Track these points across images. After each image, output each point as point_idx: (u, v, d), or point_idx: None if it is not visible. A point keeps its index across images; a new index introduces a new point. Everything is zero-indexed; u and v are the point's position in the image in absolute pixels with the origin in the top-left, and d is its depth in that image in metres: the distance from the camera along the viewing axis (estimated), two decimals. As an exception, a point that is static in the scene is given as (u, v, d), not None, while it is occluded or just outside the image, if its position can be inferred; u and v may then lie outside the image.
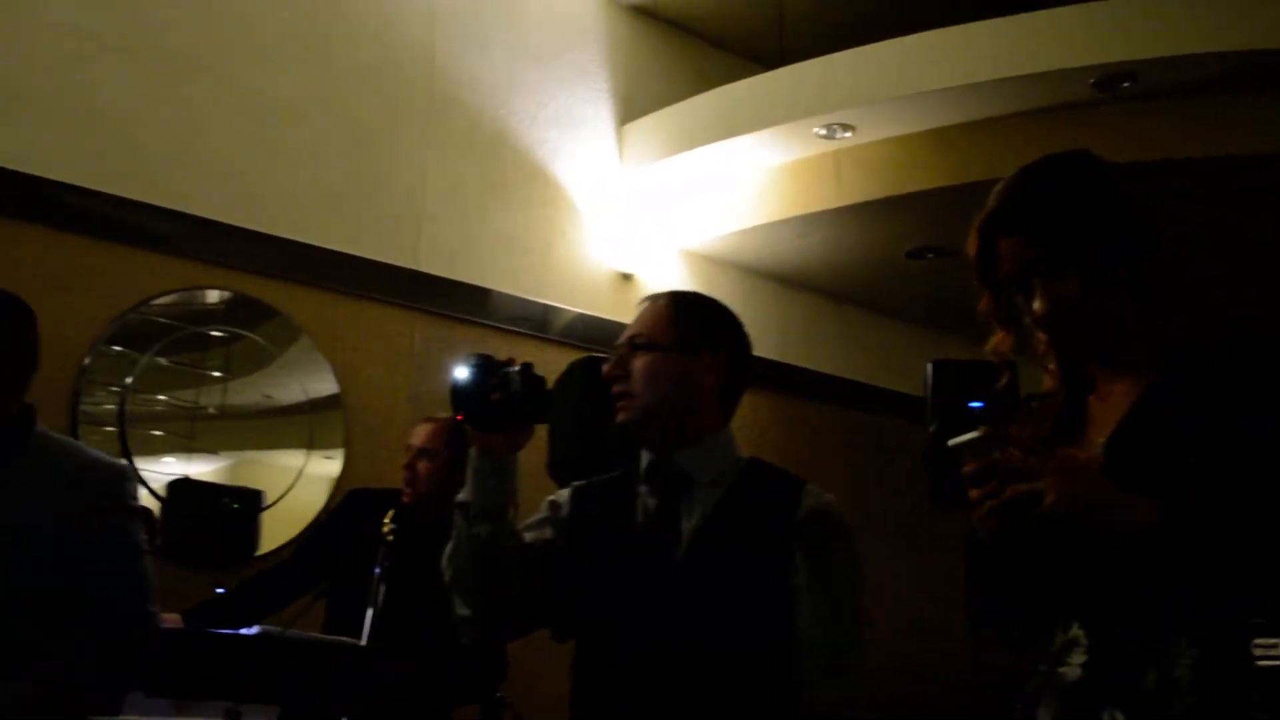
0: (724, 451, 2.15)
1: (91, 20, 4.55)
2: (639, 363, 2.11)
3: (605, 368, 2.15)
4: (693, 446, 2.11)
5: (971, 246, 1.71)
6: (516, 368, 2.00)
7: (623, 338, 2.17)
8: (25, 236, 4.29)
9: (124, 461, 2.62)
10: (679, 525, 2.08)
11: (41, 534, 2.36)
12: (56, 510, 2.38)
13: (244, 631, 3.09)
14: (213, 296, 4.79)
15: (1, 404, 2.45)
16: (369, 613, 3.24)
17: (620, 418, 2.12)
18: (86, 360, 4.38)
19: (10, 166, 4.29)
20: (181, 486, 4.61)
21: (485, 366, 2.00)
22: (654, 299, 2.19)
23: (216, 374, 4.80)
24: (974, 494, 1.50)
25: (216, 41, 4.83)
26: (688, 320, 2.16)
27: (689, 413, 2.12)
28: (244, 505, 4.77)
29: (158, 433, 4.64)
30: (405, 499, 3.60)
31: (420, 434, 3.70)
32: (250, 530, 4.76)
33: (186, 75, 4.74)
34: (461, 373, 2.00)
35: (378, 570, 3.29)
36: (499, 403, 1.98)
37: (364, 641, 3.20)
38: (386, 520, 3.31)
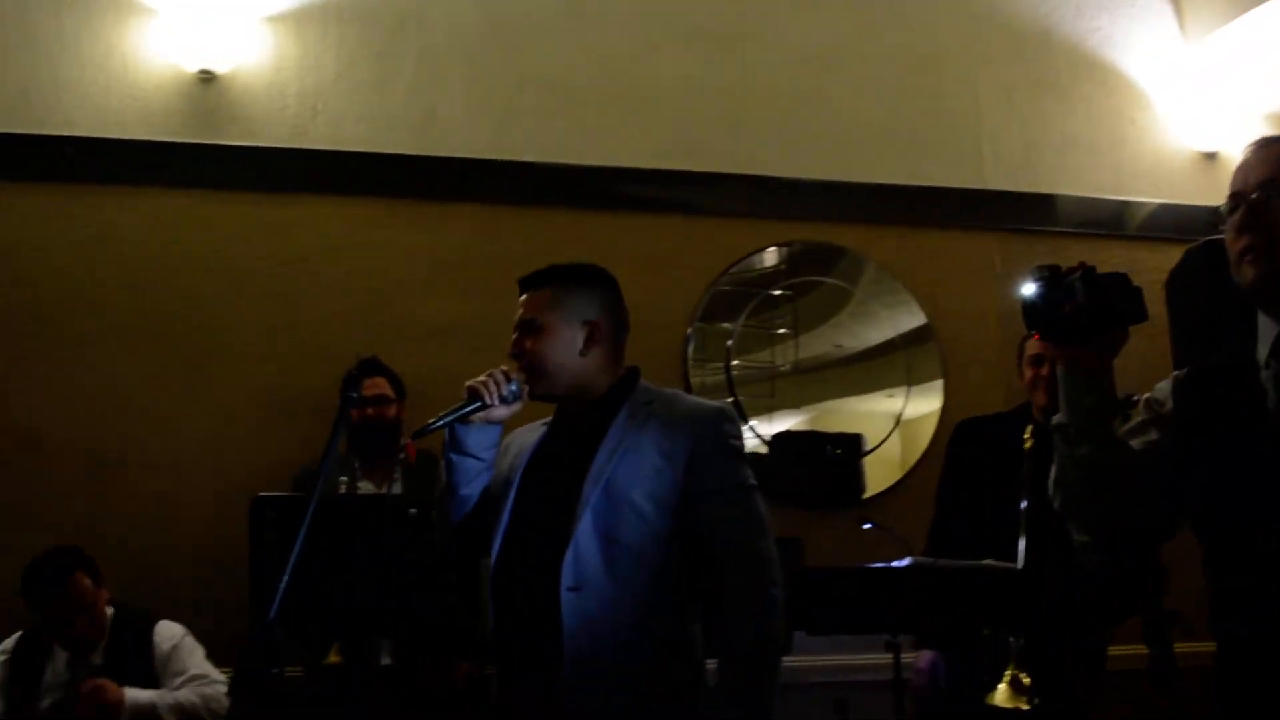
0: None
1: (641, 11, 4.84)
2: None
3: (1230, 214, 1.86)
4: None
5: None
6: (1078, 274, 1.80)
7: (1249, 182, 1.84)
8: (616, 224, 4.66)
9: (723, 403, 2.61)
10: None
11: (654, 480, 2.44)
12: (665, 455, 2.45)
13: (896, 564, 3.10)
14: (772, 257, 4.88)
15: (611, 366, 2.59)
16: (1022, 535, 3.15)
17: (1248, 275, 1.82)
18: (688, 330, 4.65)
19: (589, 163, 4.70)
20: (785, 438, 4.77)
21: (1050, 278, 1.81)
22: (1269, 143, 1.89)
23: (782, 331, 4.89)
24: None
25: (758, 8, 4.97)
26: None
27: None
28: (845, 450, 4.84)
29: (735, 398, 4.79)
30: (1037, 413, 3.46)
31: (1038, 344, 3.54)
32: (854, 473, 4.83)
33: (733, 45, 4.92)
34: (1028, 288, 1.82)
35: (1024, 502, 3.20)
36: (1071, 314, 1.78)
37: (1019, 563, 3.12)
38: (1027, 436, 3.21)
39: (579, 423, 2.54)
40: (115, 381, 4.35)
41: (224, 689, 3.69)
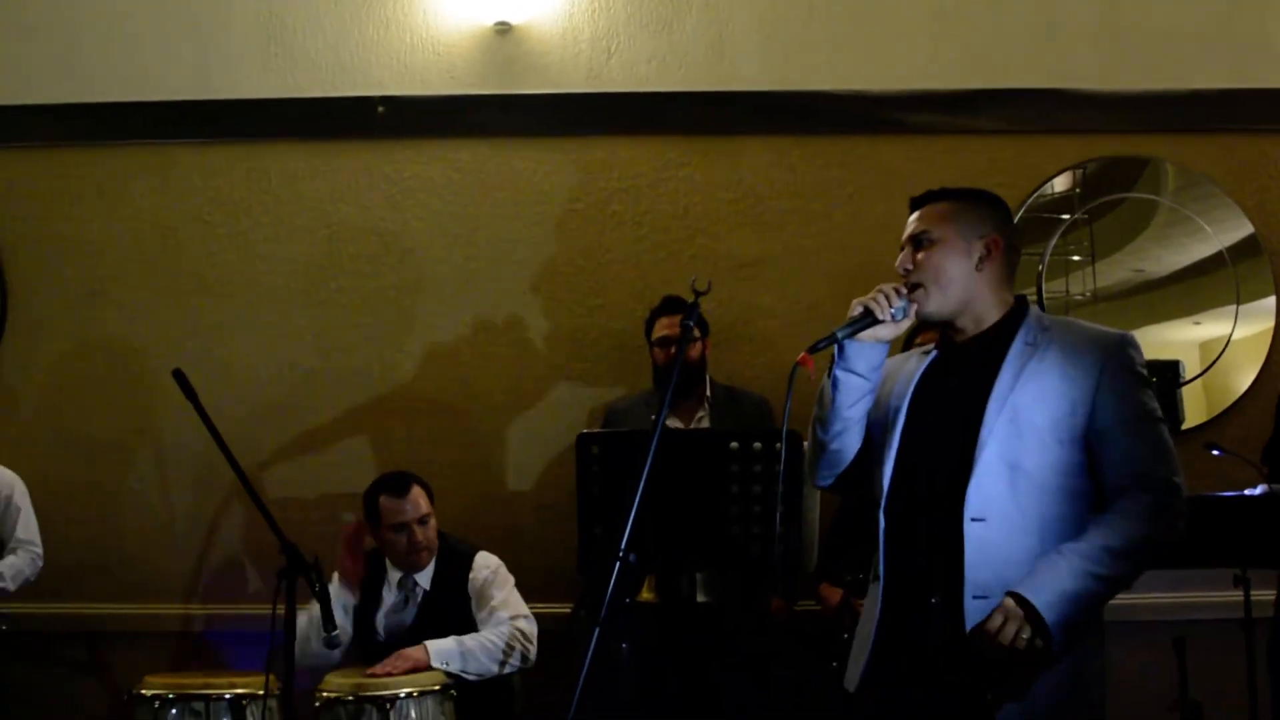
0: None
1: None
2: None
3: None
4: None
5: None
6: None
7: None
8: (916, 148, 4.55)
9: (1127, 332, 2.46)
10: None
11: (1059, 406, 2.34)
12: (1070, 381, 2.35)
13: (1249, 492, 2.91)
14: (1063, 182, 4.62)
15: (1003, 289, 2.47)
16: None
17: None
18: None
19: (884, 88, 4.56)
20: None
21: None
22: None
23: (1077, 258, 4.62)
24: None
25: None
26: None
27: None
28: (1161, 377, 4.58)
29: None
30: None
31: None
32: (1171, 402, 4.57)
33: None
34: None
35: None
36: None
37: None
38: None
39: (972, 348, 2.45)
40: (427, 328, 4.57)
41: (532, 627, 3.78)
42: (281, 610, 3.11)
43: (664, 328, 4.14)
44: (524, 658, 3.71)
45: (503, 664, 3.68)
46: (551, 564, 4.18)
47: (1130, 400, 2.33)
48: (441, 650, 3.63)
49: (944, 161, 4.52)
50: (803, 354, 2.31)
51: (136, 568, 4.50)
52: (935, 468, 2.38)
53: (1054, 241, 4.56)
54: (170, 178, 4.65)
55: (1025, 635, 2.17)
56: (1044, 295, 4.54)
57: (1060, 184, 4.62)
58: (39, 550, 4.20)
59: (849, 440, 2.49)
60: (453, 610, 3.80)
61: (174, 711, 3.39)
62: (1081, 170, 4.62)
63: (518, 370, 4.53)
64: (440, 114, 4.57)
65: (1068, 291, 4.61)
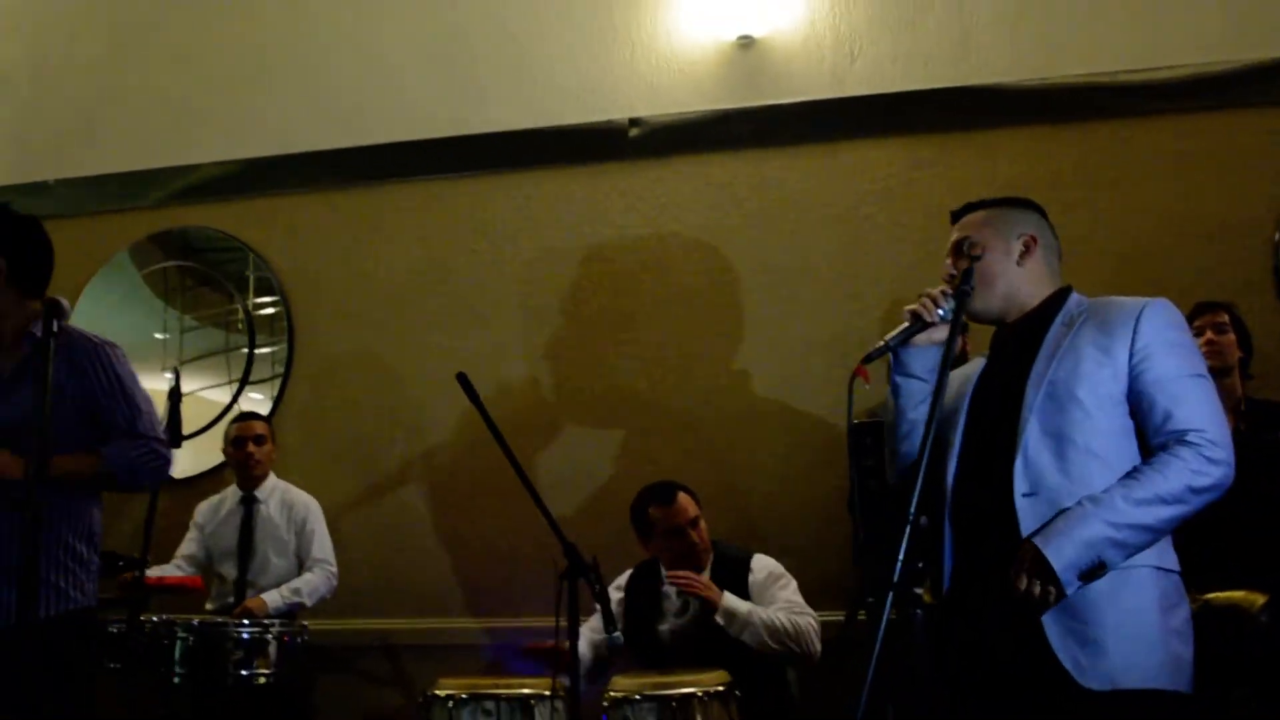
0: None
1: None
2: None
3: None
4: None
5: None
6: None
7: None
8: (1177, 127, 4.39)
9: (1160, 297, 2.50)
10: None
11: (1096, 376, 2.41)
12: (1104, 351, 2.43)
13: None
14: None
15: (1045, 281, 2.57)
16: None
17: None
18: (1276, 236, 4.26)
19: (1141, 69, 4.41)
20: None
21: None
22: None
23: None
24: None
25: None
26: None
27: None
28: None
29: None
30: None
31: None
32: None
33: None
34: None
35: None
36: None
37: None
38: None
39: (1016, 336, 2.56)
40: (687, 341, 4.66)
41: (816, 623, 3.78)
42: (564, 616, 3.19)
43: (925, 326, 4.10)
44: (801, 645, 3.72)
45: (781, 645, 3.71)
46: (822, 570, 4.16)
47: (1167, 360, 2.41)
48: (731, 606, 3.71)
49: (1215, 140, 4.34)
50: (858, 365, 2.45)
51: (420, 582, 4.74)
52: (988, 452, 2.47)
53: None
54: (437, 211, 4.92)
55: (1038, 583, 2.26)
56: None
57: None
58: (334, 569, 4.49)
59: (917, 440, 2.59)
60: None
61: (467, 712, 3.53)
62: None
63: (778, 378, 4.56)
64: (689, 130, 4.69)
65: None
